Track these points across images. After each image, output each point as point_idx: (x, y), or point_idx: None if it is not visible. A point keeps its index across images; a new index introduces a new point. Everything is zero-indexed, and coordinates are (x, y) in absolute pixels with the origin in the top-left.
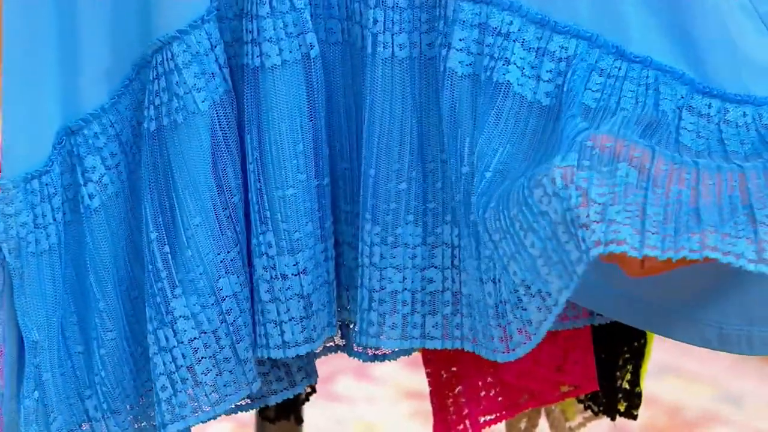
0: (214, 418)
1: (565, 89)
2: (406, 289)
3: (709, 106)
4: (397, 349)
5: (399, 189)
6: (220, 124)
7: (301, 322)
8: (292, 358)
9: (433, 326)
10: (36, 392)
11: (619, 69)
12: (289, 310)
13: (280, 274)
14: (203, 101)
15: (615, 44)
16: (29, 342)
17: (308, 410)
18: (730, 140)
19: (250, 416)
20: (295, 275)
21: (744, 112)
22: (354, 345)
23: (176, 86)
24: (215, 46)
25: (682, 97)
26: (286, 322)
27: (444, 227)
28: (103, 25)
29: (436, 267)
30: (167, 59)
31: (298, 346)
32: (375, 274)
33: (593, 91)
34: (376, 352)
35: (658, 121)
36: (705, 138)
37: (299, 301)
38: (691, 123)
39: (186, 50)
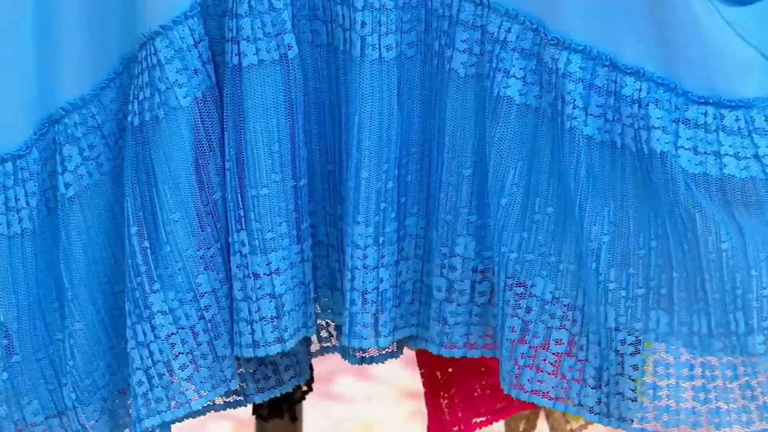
0: (192, 415)
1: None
2: (393, 285)
3: (705, 114)
4: (384, 352)
5: (387, 188)
6: (202, 121)
7: (272, 322)
8: (280, 356)
9: (412, 314)
10: (5, 373)
11: (615, 83)
12: (259, 309)
13: (252, 273)
14: (185, 97)
15: (608, 55)
16: None
17: (307, 410)
18: (728, 158)
19: (249, 415)
20: (267, 275)
21: (737, 117)
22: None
23: (158, 81)
24: (199, 42)
25: (677, 109)
26: (257, 322)
27: (410, 218)
28: (86, 17)
29: (406, 259)
30: (150, 54)
31: (267, 346)
32: (369, 276)
33: (596, 116)
34: (364, 355)
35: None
36: (703, 153)
37: (270, 301)
38: (688, 139)
39: (169, 46)
